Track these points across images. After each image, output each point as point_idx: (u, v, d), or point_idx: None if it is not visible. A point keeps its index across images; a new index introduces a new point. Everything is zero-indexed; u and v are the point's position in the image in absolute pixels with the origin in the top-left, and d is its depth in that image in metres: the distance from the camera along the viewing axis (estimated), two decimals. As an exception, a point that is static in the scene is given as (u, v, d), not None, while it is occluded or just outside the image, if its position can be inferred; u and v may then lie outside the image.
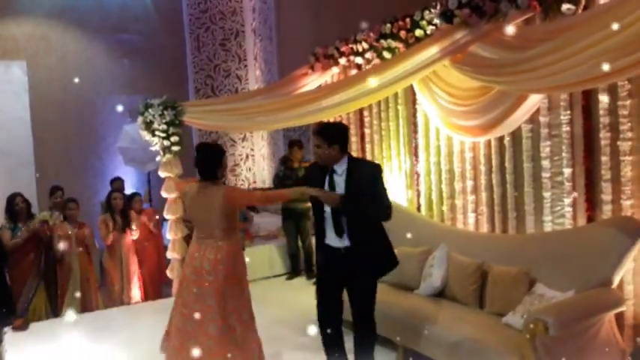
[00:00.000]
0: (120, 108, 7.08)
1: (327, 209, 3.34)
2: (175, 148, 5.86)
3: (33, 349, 4.69)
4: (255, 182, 8.80)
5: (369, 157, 5.81)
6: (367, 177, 3.33)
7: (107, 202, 6.08)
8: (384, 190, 3.39)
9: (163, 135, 5.78)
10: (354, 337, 3.47)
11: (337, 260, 3.37)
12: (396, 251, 4.78)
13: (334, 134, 3.37)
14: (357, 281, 3.37)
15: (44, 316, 5.51)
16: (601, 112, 3.53)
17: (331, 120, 6.28)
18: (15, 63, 7.65)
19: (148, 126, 5.82)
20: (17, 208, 5.53)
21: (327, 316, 3.46)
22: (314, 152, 3.49)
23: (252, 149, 8.90)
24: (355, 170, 3.35)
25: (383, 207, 3.33)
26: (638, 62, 2.58)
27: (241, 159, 8.85)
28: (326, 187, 3.35)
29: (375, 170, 3.43)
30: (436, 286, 4.19)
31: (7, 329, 5.11)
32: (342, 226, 3.32)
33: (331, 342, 3.47)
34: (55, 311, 5.60)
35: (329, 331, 3.44)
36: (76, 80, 7.62)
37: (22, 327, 5.15)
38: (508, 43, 3.59)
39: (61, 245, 5.55)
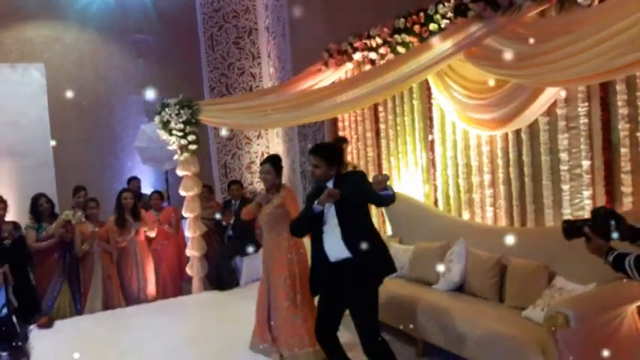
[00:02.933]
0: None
1: (331, 224, 3.34)
2: (192, 147, 5.93)
3: (58, 347, 4.79)
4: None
5: (384, 152, 5.82)
6: (354, 183, 3.36)
7: (117, 202, 6.06)
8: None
9: (180, 134, 5.85)
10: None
11: (337, 278, 3.35)
12: (412, 247, 4.82)
13: (333, 156, 3.48)
14: (358, 294, 3.31)
15: (68, 314, 5.62)
16: (619, 103, 3.49)
17: (346, 116, 6.33)
18: (33, 66, 7.76)
19: (165, 125, 5.89)
20: (41, 208, 5.68)
21: (323, 328, 3.50)
22: (311, 171, 3.57)
23: (267, 147, 8.93)
24: (342, 181, 3.41)
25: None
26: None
27: (257, 156, 8.89)
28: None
29: (360, 175, 3.52)
30: (455, 280, 4.19)
31: (33, 327, 5.22)
32: (349, 235, 3.31)
33: (327, 346, 3.54)
34: (79, 309, 5.71)
35: (322, 339, 3.51)
36: (91, 80, 7.70)
37: (47, 324, 5.26)
38: (524, 36, 3.56)
39: (84, 244, 5.66)
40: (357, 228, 3.34)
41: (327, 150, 3.54)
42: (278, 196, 4.11)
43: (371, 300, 3.32)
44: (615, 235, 2.06)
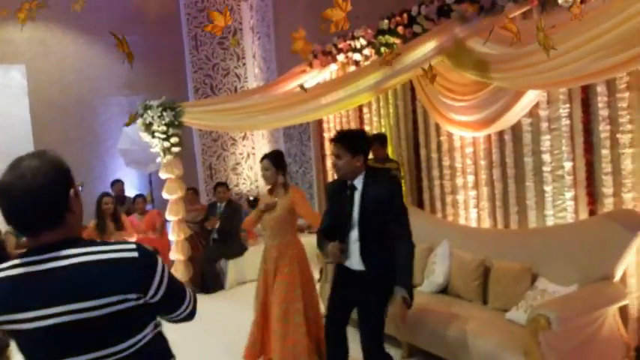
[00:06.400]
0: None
1: (354, 235, 3.10)
2: (175, 149, 5.86)
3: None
4: (257, 181, 8.80)
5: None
6: (383, 195, 3.01)
7: (97, 207, 5.98)
8: (402, 211, 3.05)
9: (163, 136, 5.78)
10: None
11: (355, 282, 3.18)
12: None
13: (359, 143, 3.07)
14: (368, 302, 3.12)
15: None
16: (600, 104, 3.52)
17: (331, 117, 6.31)
18: (14, 67, 7.66)
19: (148, 127, 5.82)
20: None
21: (333, 322, 3.35)
22: (333, 163, 3.16)
23: (252, 147, 8.90)
24: (371, 186, 3.06)
25: (406, 246, 3.04)
26: (637, 56, 2.57)
27: (242, 158, 8.85)
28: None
29: (391, 187, 3.06)
30: (439, 282, 4.19)
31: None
32: (366, 248, 3.10)
33: (334, 342, 3.41)
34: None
35: (331, 334, 3.36)
36: (74, 81, 7.59)
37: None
38: (506, 38, 3.56)
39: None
40: (377, 242, 3.05)
41: (351, 137, 3.10)
42: (286, 198, 3.83)
43: (379, 313, 3.09)
44: None
